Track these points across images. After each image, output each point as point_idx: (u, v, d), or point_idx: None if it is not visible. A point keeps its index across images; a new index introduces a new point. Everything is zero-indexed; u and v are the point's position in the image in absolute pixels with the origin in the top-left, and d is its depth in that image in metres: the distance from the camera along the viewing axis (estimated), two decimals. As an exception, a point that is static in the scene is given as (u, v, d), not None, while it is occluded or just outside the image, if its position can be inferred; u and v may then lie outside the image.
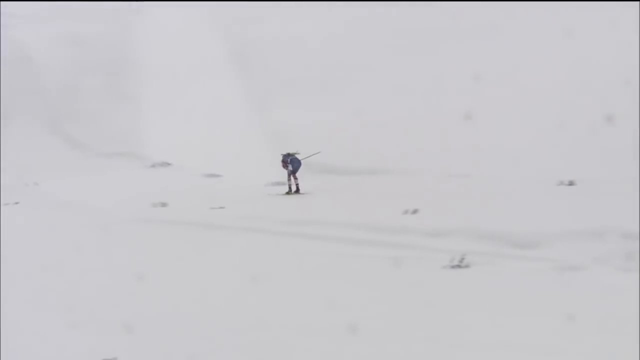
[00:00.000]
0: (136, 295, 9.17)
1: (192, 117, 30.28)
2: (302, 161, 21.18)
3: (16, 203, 20.28)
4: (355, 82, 31.58)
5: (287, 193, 20.72)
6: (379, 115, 27.87)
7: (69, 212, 18.64)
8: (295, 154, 21.23)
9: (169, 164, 25.80)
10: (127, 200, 19.54)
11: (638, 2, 25.24)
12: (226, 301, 8.55)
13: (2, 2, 50.83)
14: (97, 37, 40.02)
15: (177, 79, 33.14)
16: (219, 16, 39.82)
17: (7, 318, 8.28)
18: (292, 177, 20.91)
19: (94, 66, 37.66)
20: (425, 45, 33.38)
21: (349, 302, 8.18)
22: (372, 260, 10.72)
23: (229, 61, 35.73)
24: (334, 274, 9.84)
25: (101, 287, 10.08)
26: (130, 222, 15.69)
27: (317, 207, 16.85)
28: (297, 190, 20.80)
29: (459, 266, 9.84)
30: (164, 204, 18.50)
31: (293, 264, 10.67)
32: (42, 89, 37.76)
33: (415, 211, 14.41)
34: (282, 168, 21.18)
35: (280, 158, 21.26)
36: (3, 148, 30.73)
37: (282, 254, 11.51)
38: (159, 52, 36.29)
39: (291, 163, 20.95)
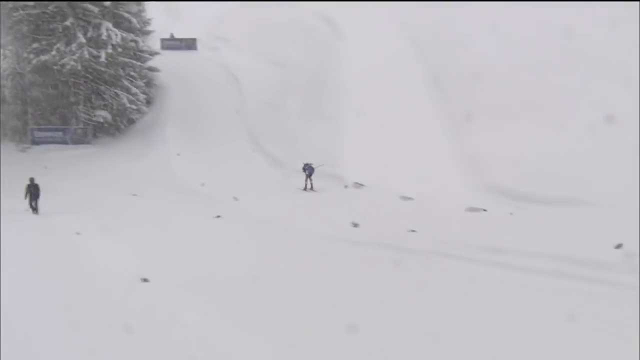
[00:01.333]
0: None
1: (386, 139, 30.55)
2: (315, 168, 27.93)
3: (218, 217, 21.17)
4: (551, 106, 30.44)
5: (304, 189, 27.92)
6: (578, 143, 26.60)
7: (266, 228, 19.16)
8: (311, 164, 28.03)
9: (362, 185, 26.05)
10: (321, 220, 19.94)
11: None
12: (423, 329, 8.42)
13: (213, 29, 54.44)
14: (299, 60, 41.61)
15: (373, 101, 33.64)
16: (418, 41, 40.02)
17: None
18: (308, 179, 28.00)
19: (294, 87, 39.10)
20: (624, 63, 31.38)
21: (561, 345, 7.79)
22: (573, 295, 10.21)
23: (424, 85, 35.77)
24: (537, 308, 9.39)
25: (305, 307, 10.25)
26: (326, 240, 15.90)
27: (514, 235, 16.17)
28: (312, 188, 27.84)
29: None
30: (356, 225, 18.67)
31: (492, 296, 10.29)
32: (246, 109, 39.84)
33: (619, 246, 13.58)
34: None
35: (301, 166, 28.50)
36: (203, 162, 32.64)
37: (479, 283, 11.16)
38: (357, 74, 37.07)
39: (307, 169, 28.04)
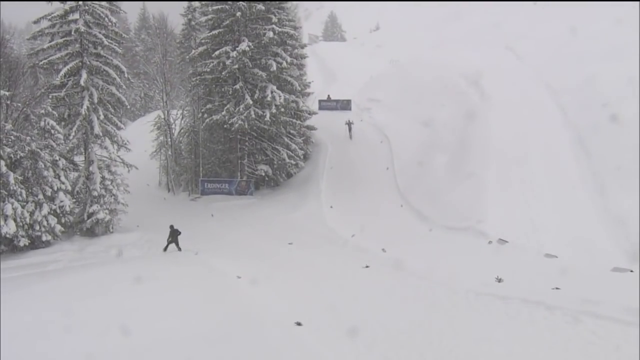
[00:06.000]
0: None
1: (530, 197, 29.54)
2: (354, 123, 45.84)
3: (366, 267, 21.19)
4: None
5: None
6: None
7: (414, 279, 18.86)
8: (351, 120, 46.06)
9: (505, 242, 25.23)
10: (466, 273, 19.45)
11: None
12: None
13: (366, 91, 55.57)
14: (445, 119, 41.38)
15: (517, 160, 32.65)
16: (561, 102, 38.70)
17: None
18: (350, 131, 45.69)
19: (440, 146, 38.80)
20: None
21: None
22: None
23: (568, 144, 34.37)
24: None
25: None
26: (472, 293, 15.51)
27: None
28: (350, 138, 44.69)
29: None
30: (500, 280, 18.08)
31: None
32: (395, 165, 40.00)
33: None
34: None
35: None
36: (354, 215, 32.87)
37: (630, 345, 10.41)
38: (502, 134, 36.22)
39: (349, 124, 45.17)
